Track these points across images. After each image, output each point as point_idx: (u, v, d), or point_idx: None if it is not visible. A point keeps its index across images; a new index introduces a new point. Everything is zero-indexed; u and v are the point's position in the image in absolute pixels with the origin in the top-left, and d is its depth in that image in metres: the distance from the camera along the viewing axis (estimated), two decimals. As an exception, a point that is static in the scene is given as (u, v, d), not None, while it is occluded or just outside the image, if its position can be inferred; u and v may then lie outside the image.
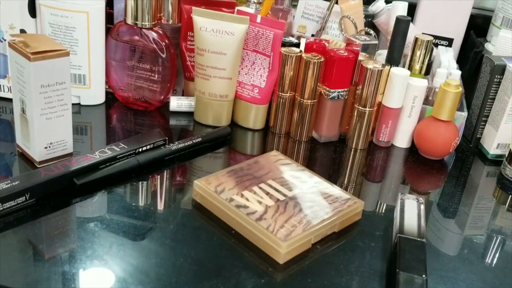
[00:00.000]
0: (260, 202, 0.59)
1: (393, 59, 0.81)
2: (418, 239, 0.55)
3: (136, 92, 0.81)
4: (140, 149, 0.68)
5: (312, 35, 0.95)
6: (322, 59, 0.76)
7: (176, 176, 0.69)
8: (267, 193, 0.61)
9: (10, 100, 0.67)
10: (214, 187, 0.61)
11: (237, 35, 0.76)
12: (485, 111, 0.82)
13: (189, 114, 0.83)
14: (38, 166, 0.64)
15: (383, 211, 0.67)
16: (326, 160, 0.77)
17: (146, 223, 0.58)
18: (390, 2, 0.94)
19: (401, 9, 0.91)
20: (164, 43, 0.78)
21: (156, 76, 0.79)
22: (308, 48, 0.78)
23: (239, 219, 0.57)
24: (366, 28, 0.91)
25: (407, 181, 0.76)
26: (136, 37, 0.78)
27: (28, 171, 0.61)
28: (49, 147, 0.64)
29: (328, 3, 0.92)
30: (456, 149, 0.80)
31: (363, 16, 0.93)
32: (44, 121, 0.62)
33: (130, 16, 0.77)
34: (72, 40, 0.77)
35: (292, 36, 0.92)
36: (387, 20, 0.94)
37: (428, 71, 0.84)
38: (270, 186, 0.62)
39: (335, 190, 0.64)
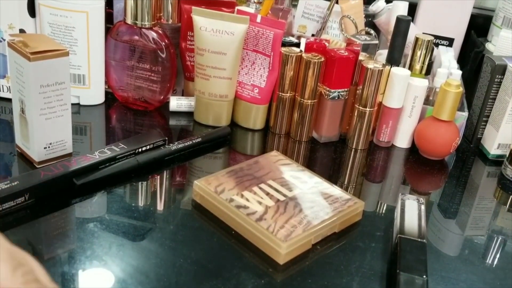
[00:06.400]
0: (260, 203, 0.59)
1: (394, 59, 0.81)
2: (419, 240, 0.55)
3: (136, 92, 0.81)
4: (140, 149, 0.67)
5: (312, 35, 0.95)
6: (322, 59, 0.75)
7: (176, 177, 0.69)
8: (267, 194, 0.61)
9: (10, 100, 0.67)
10: (214, 187, 0.61)
11: (237, 35, 0.76)
12: (486, 111, 0.82)
13: (189, 114, 0.83)
14: (37, 166, 0.64)
15: (383, 211, 0.67)
16: (326, 160, 0.77)
17: (146, 223, 0.58)
18: (391, 1, 0.94)
19: (402, 8, 0.91)
20: (164, 43, 0.78)
21: (156, 76, 0.79)
22: (308, 48, 0.78)
23: (239, 219, 0.57)
24: (367, 28, 0.91)
25: (408, 181, 0.75)
26: (136, 37, 0.78)
27: (28, 172, 0.61)
28: (49, 147, 0.64)
29: (328, 2, 0.92)
30: (456, 149, 0.80)
31: (364, 16, 0.92)
32: (44, 121, 0.62)
33: (130, 16, 0.76)
34: (71, 40, 0.77)
35: (292, 36, 0.92)
36: (387, 20, 0.93)
37: (428, 71, 0.84)
38: (270, 186, 0.62)
39: (335, 191, 0.63)
